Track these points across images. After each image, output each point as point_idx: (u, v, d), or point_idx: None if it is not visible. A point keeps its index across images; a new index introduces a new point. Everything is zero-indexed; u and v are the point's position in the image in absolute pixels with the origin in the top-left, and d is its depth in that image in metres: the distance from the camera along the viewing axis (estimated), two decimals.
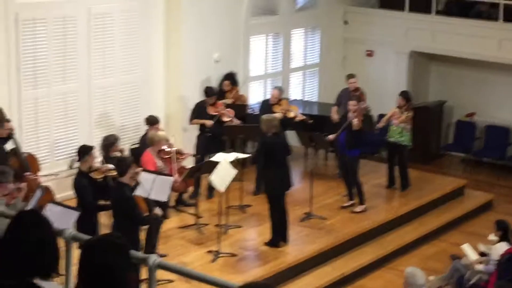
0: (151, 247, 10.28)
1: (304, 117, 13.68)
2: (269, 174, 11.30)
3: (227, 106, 13.41)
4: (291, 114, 13.44)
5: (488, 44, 15.68)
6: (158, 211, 10.02)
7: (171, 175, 10.56)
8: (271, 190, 11.34)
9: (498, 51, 15.62)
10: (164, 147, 11.27)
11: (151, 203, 9.92)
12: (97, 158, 10.38)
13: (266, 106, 13.47)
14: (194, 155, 12.02)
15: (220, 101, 13.31)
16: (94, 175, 9.87)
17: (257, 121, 12.06)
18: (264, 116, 11.63)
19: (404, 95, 13.69)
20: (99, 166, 10.09)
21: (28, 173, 10.11)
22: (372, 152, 15.99)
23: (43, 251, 3.37)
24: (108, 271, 3.16)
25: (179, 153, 11.53)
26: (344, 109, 13.72)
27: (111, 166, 10.13)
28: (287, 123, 13.19)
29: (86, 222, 8.90)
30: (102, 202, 9.78)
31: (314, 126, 13.56)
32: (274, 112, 13.12)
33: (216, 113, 12.95)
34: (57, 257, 3.48)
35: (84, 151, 9.84)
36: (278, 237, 11.38)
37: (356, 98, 12.80)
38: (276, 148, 11.22)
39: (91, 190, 9.63)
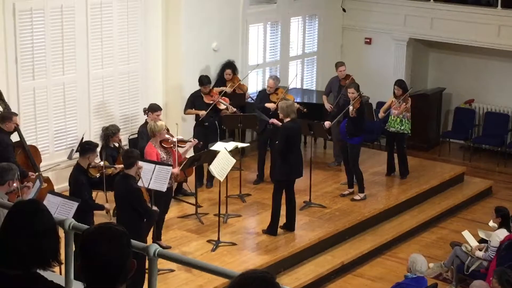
0: (158, 237, 10.34)
1: (299, 106, 13.68)
2: (285, 159, 11.16)
3: (227, 95, 13.37)
4: None
5: (487, 30, 15.64)
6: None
7: (171, 165, 10.49)
8: (282, 175, 11.27)
9: (497, 37, 15.59)
10: (167, 137, 11.06)
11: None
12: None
13: (263, 96, 13.48)
14: (197, 144, 11.76)
15: (215, 89, 13.27)
16: (91, 172, 9.82)
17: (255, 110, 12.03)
18: (282, 102, 11.62)
19: (400, 84, 13.63)
20: (96, 164, 10.00)
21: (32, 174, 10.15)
22: (372, 140, 15.98)
23: (43, 240, 3.38)
24: (108, 260, 3.16)
25: (181, 141, 11.39)
26: (333, 97, 13.72)
27: (107, 164, 10.15)
28: None
29: (82, 219, 8.84)
30: (97, 202, 9.76)
31: (311, 114, 13.54)
32: (271, 102, 13.14)
33: (212, 102, 12.91)
34: (57, 245, 3.48)
35: (89, 148, 9.58)
36: (276, 224, 11.38)
37: (354, 86, 12.76)
38: (295, 134, 11.23)
39: (89, 188, 9.49)
